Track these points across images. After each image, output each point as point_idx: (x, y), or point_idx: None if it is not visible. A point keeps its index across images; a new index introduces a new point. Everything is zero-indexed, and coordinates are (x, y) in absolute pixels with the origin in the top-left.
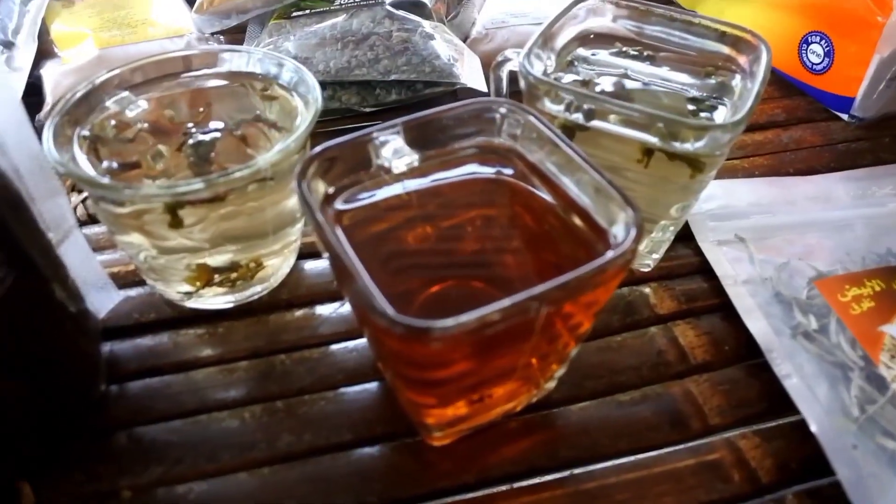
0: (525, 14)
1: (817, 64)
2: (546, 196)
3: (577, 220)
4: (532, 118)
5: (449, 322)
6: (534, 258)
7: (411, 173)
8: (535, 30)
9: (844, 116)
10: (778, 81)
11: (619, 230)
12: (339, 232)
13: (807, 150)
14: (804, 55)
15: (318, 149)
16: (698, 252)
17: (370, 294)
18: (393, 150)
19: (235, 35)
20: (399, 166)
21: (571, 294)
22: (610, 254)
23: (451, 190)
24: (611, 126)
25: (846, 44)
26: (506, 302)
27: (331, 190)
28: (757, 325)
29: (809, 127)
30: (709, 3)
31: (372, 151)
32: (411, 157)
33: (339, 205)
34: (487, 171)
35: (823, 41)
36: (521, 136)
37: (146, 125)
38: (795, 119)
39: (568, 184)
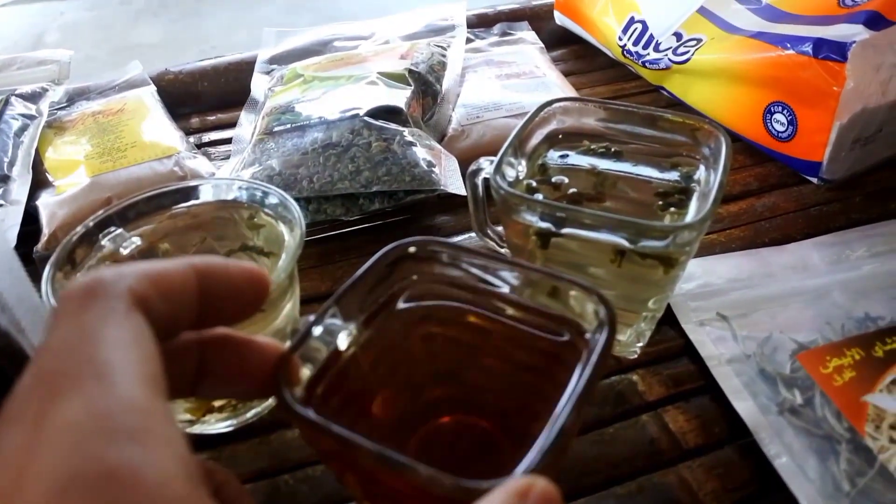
0: (499, 106)
1: (782, 132)
2: (495, 311)
3: (539, 321)
4: (446, 249)
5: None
6: (504, 374)
7: (359, 342)
8: (508, 122)
9: (814, 180)
10: (748, 150)
11: (590, 317)
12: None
13: (781, 216)
14: (769, 124)
15: (280, 363)
16: (682, 333)
17: (413, 465)
18: (332, 332)
19: (224, 147)
20: (343, 343)
21: (587, 402)
22: (597, 345)
23: (399, 342)
24: (582, 232)
25: (807, 112)
26: (539, 446)
27: (299, 393)
28: (744, 405)
29: (782, 193)
30: (674, 79)
31: (317, 342)
32: (349, 328)
33: (315, 405)
34: (424, 308)
35: (786, 111)
36: (443, 264)
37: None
38: (768, 186)
39: (513, 291)
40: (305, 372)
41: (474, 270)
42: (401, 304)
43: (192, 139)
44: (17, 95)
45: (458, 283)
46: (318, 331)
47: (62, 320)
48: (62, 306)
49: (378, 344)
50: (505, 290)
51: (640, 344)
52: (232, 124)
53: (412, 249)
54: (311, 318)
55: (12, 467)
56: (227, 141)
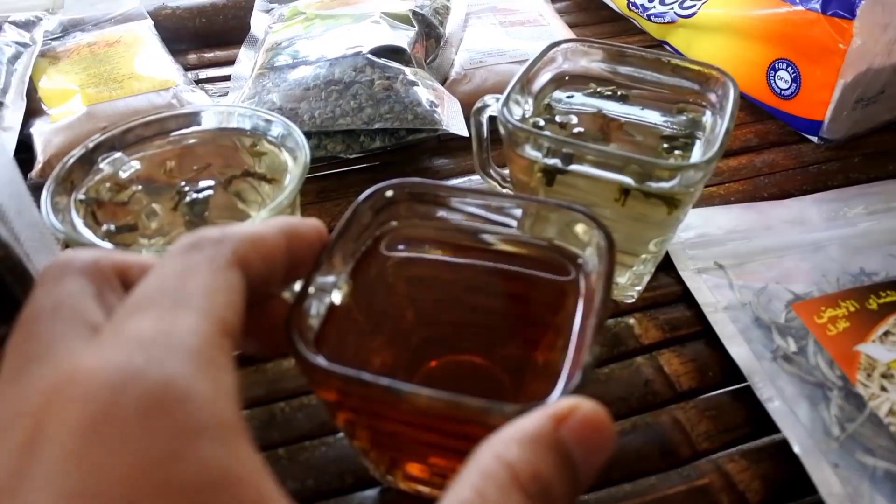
0: (502, 52)
1: (785, 89)
2: (480, 245)
3: (526, 251)
4: (425, 189)
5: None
6: (496, 308)
7: (350, 293)
8: (511, 68)
9: (814, 139)
10: (749, 107)
11: (582, 241)
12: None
13: (780, 173)
14: (772, 81)
15: (290, 322)
16: (680, 281)
17: (466, 399)
18: (325, 287)
19: (221, 84)
20: (336, 297)
21: (603, 328)
22: (601, 266)
23: (386, 289)
24: (588, 169)
25: (812, 70)
26: (576, 377)
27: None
28: (738, 350)
29: (782, 150)
30: (678, 34)
31: (313, 299)
32: (339, 280)
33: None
34: (406, 251)
35: (790, 68)
36: (423, 204)
37: (140, 186)
38: (768, 143)
39: (499, 223)
40: (310, 330)
41: (457, 206)
42: (383, 251)
43: (189, 75)
44: (10, 23)
45: (438, 221)
46: (312, 288)
47: (165, 262)
48: (171, 252)
49: (367, 293)
50: (490, 222)
51: (639, 288)
52: (230, 62)
53: (389, 193)
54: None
55: (78, 357)
56: (225, 78)
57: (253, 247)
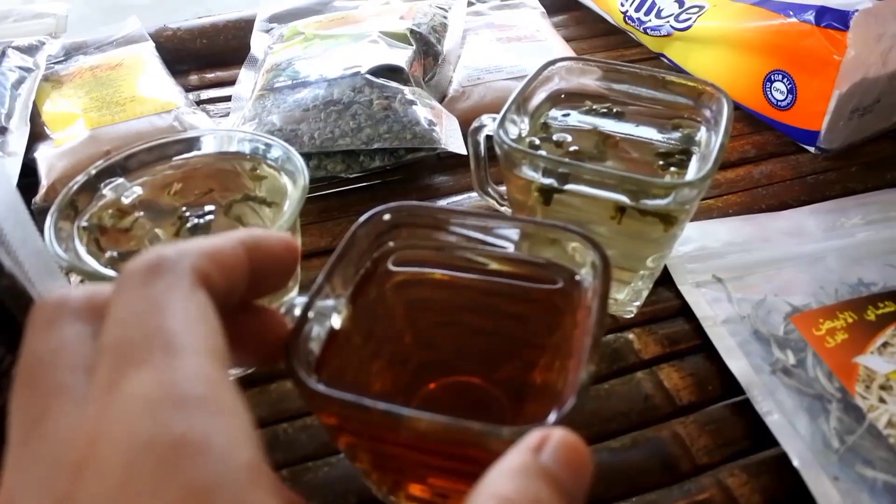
0: (500, 69)
1: (782, 100)
2: (477, 266)
3: (524, 271)
4: (422, 212)
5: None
6: (495, 329)
7: (350, 317)
8: (510, 84)
9: (811, 149)
10: (746, 118)
11: (578, 260)
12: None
13: (778, 184)
14: (769, 93)
15: (289, 348)
16: (678, 295)
17: (464, 423)
18: (325, 311)
19: (223, 104)
20: (336, 321)
21: (598, 347)
22: (596, 283)
23: (385, 312)
24: (584, 188)
25: (807, 81)
26: (570, 399)
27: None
28: (737, 364)
29: (779, 161)
30: (674, 47)
31: (314, 323)
32: (339, 303)
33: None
34: (405, 274)
35: (786, 79)
36: (421, 227)
37: (142, 212)
38: (766, 154)
39: (495, 244)
40: (310, 354)
41: (455, 228)
42: (382, 274)
43: (190, 96)
44: (13, 48)
45: (436, 243)
46: (312, 313)
47: (128, 293)
48: (127, 280)
49: (367, 317)
50: (487, 244)
51: (637, 303)
52: (231, 82)
53: (388, 216)
54: (301, 298)
55: (86, 436)
56: (226, 98)
57: (212, 261)
